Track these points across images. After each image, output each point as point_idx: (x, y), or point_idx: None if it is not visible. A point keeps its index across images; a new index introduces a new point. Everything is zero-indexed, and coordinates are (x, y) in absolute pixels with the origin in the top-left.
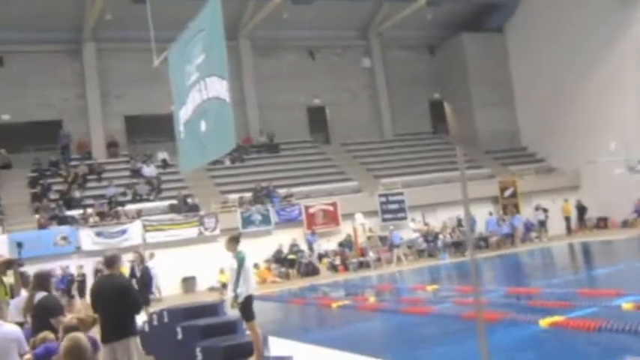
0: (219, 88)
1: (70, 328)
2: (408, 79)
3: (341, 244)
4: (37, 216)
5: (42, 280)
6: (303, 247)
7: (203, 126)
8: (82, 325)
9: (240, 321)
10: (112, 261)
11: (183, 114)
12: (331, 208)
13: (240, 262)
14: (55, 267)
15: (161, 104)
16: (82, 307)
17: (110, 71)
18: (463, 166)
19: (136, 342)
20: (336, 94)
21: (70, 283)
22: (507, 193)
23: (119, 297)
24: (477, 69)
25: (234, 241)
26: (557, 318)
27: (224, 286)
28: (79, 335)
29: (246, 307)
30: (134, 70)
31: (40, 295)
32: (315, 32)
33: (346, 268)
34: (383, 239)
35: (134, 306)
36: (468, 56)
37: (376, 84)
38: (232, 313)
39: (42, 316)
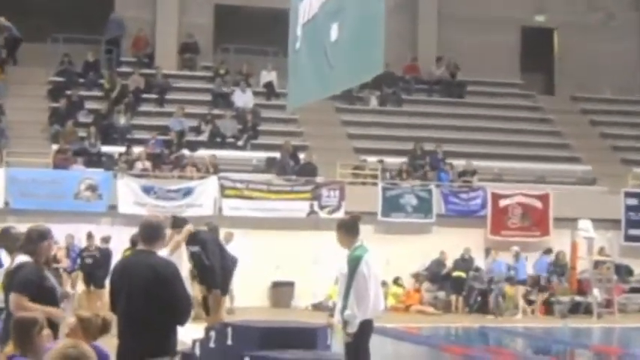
0: None
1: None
2: None
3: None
4: (54, 146)
5: (30, 240)
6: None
7: (334, 32)
8: (84, 328)
9: None
10: (154, 232)
11: (305, 9)
12: (539, 204)
13: (353, 263)
14: (73, 231)
15: None
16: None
17: None
18: None
19: None
20: (575, 10)
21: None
22: None
23: (152, 290)
24: None
25: (352, 230)
26: None
27: None
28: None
29: (358, 342)
30: None
31: (20, 258)
32: None
33: (550, 309)
34: (620, 270)
35: (177, 309)
36: None
37: None
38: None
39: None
